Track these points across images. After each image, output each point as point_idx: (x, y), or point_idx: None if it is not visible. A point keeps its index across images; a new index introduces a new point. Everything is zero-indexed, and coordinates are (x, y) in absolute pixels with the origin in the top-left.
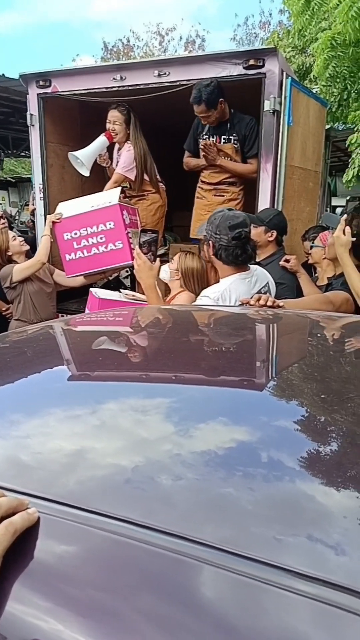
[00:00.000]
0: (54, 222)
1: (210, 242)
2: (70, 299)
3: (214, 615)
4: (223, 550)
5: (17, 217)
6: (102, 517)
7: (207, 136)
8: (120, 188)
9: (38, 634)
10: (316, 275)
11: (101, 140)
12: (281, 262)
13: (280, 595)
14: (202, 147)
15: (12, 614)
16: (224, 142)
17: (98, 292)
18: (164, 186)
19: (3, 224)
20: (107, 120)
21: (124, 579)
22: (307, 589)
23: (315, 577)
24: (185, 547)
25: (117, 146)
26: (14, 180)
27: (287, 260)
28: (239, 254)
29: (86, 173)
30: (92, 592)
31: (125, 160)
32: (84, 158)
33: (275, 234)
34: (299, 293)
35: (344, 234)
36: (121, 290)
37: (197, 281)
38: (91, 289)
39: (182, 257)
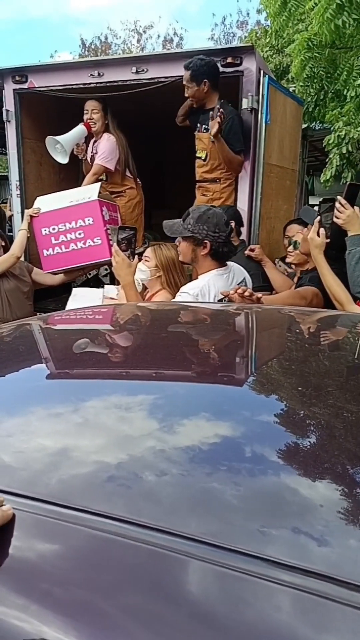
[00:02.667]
0: (31, 217)
1: (205, 242)
2: (48, 298)
3: (199, 609)
4: (207, 544)
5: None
6: (85, 513)
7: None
8: (99, 183)
9: (18, 633)
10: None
11: (80, 129)
12: (246, 252)
13: (265, 586)
14: (212, 114)
15: None
16: (204, 131)
17: (78, 295)
18: (139, 182)
19: None
20: (85, 111)
21: (107, 576)
22: (291, 579)
23: (298, 567)
24: (169, 541)
25: (93, 139)
26: None
27: (252, 250)
28: (232, 249)
29: (64, 160)
30: (74, 590)
31: (105, 150)
32: (64, 142)
33: (233, 223)
34: (264, 280)
35: (318, 235)
36: (105, 286)
37: (179, 270)
38: (74, 289)
39: (158, 250)
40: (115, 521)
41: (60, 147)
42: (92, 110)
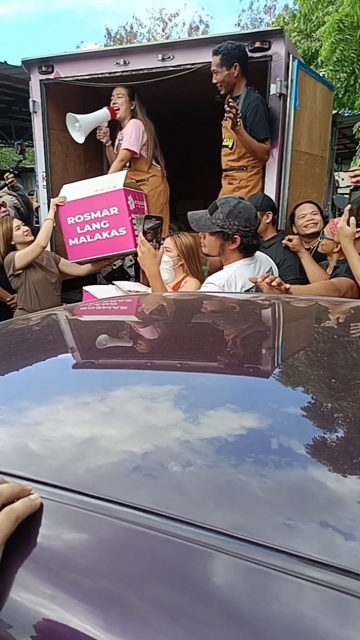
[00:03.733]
0: (57, 206)
1: (236, 237)
2: (74, 289)
3: (222, 602)
4: (233, 537)
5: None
6: (110, 503)
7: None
8: (125, 171)
9: (43, 622)
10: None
11: (103, 112)
12: (284, 241)
13: (290, 581)
14: (226, 106)
15: (16, 601)
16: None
17: (93, 292)
18: (162, 170)
19: (5, 211)
20: (111, 97)
21: (132, 567)
22: (317, 575)
23: (325, 562)
24: (194, 533)
25: (119, 127)
26: (17, 172)
27: (289, 240)
28: (260, 240)
29: (80, 139)
30: (99, 580)
31: (131, 134)
32: (82, 121)
33: (271, 215)
34: (301, 273)
35: (348, 224)
36: (114, 282)
37: (197, 257)
38: (85, 288)
39: (178, 240)
40: (142, 512)
41: (79, 125)
42: (117, 95)
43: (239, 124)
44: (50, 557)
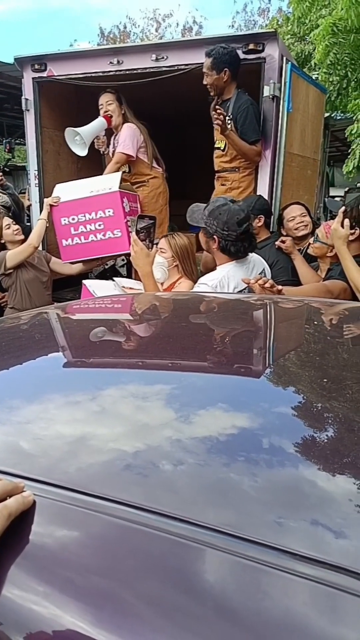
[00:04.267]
0: (51, 206)
1: (215, 237)
2: (66, 288)
3: (215, 598)
4: (225, 533)
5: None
6: (103, 500)
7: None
8: (120, 173)
9: (36, 619)
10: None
11: (100, 121)
12: (277, 242)
13: (281, 577)
14: (212, 113)
15: (8, 598)
16: None
17: (92, 287)
18: (163, 172)
19: None
20: (99, 106)
21: (125, 563)
22: (308, 570)
23: (316, 559)
24: (187, 530)
25: (114, 134)
26: (8, 170)
27: (282, 242)
28: (247, 247)
29: (82, 153)
30: (92, 577)
31: (125, 138)
32: (83, 134)
33: (263, 218)
34: (293, 274)
35: (342, 226)
36: (114, 279)
37: (191, 257)
38: (84, 281)
39: (172, 240)
40: (135, 509)
41: (80, 139)
42: (106, 102)
43: (229, 127)
44: (43, 554)
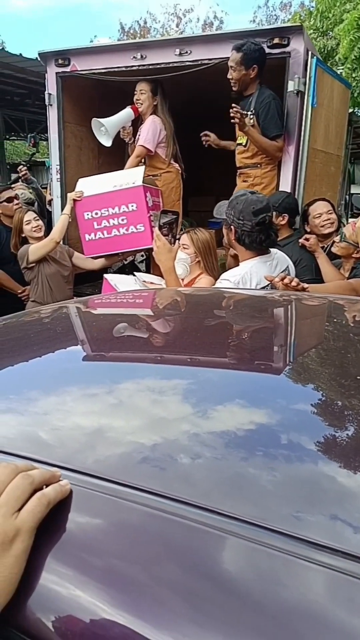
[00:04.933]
0: (74, 201)
1: (232, 227)
2: (85, 283)
3: (233, 584)
4: (245, 522)
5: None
6: (131, 489)
7: None
8: (143, 168)
9: (69, 604)
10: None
11: (127, 112)
12: (301, 240)
13: (300, 565)
14: (231, 113)
15: (45, 585)
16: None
17: (114, 281)
18: (179, 168)
19: (17, 204)
20: (135, 92)
21: (151, 550)
22: (326, 559)
23: (335, 548)
24: (210, 519)
25: (140, 122)
26: (28, 165)
27: (306, 239)
28: (263, 239)
29: (107, 143)
30: (123, 565)
31: (147, 131)
32: (108, 125)
33: (287, 217)
34: (317, 273)
35: None
36: (135, 273)
37: (213, 253)
38: (105, 275)
39: (194, 236)
40: (158, 497)
41: (105, 129)
42: (139, 91)
43: (251, 122)
44: (78, 542)
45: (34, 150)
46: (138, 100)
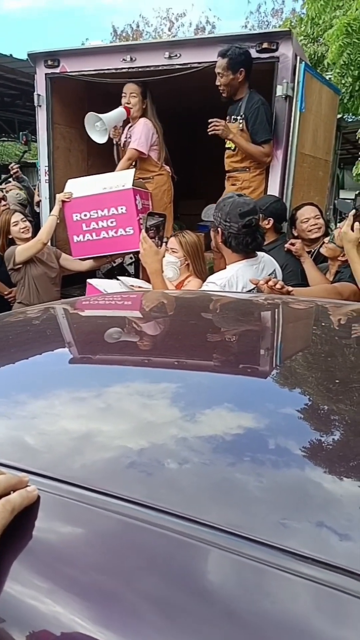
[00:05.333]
0: (63, 202)
1: (219, 229)
2: (73, 285)
3: (217, 598)
4: (228, 532)
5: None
6: (107, 497)
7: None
8: (134, 170)
9: (36, 616)
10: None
11: (120, 111)
12: (287, 245)
13: (284, 578)
14: (209, 129)
15: (10, 594)
16: (232, 121)
17: (100, 285)
18: (169, 170)
19: (4, 205)
20: (123, 94)
21: (127, 561)
22: (311, 572)
23: (319, 560)
24: (190, 528)
25: (129, 125)
26: (20, 165)
27: (292, 244)
28: (249, 242)
29: (102, 139)
30: (94, 574)
31: (140, 134)
32: (106, 120)
33: (271, 221)
34: (303, 278)
35: (352, 229)
36: (119, 277)
37: (202, 256)
38: (89, 281)
39: (183, 239)
40: (135, 505)
41: (101, 124)
42: (130, 93)
43: (240, 127)
44: (46, 550)
45: (26, 148)
46: (129, 103)
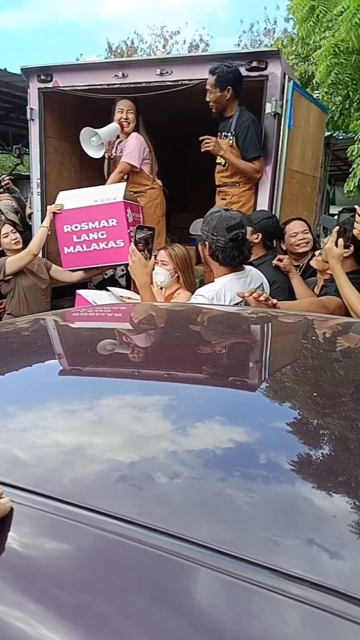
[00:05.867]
0: (54, 213)
1: (206, 242)
2: (64, 296)
3: (203, 618)
4: (216, 551)
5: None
6: (94, 513)
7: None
8: (125, 184)
9: (14, 633)
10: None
11: (115, 126)
12: (274, 261)
13: (273, 598)
14: (202, 146)
15: None
16: (223, 138)
17: (89, 297)
18: (161, 184)
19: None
20: (119, 110)
21: (115, 580)
22: (301, 592)
23: (309, 580)
24: (179, 547)
25: (119, 139)
26: (13, 177)
27: (280, 260)
28: (236, 256)
29: (98, 154)
30: (76, 591)
31: (132, 148)
32: (103, 135)
33: (260, 236)
34: (290, 294)
35: (336, 245)
36: (109, 288)
37: (191, 268)
38: (78, 291)
39: (172, 252)
40: (123, 522)
41: (97, 139)
42: (127, 110)
43: (230, 143)
44: (22, 564)
45: (19, 161)
46: (126, 119)
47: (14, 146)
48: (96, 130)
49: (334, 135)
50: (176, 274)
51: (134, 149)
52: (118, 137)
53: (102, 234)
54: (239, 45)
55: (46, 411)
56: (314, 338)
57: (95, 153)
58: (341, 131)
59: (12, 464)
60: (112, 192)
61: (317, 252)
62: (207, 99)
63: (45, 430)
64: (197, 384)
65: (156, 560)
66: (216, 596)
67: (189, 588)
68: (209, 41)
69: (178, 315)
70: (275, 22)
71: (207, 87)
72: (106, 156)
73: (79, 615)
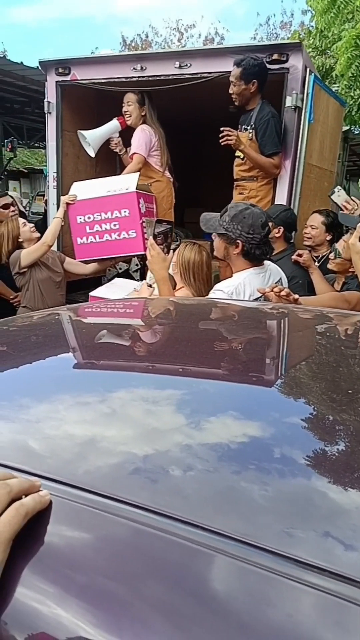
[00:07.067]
0: (67, 204)
1: (238, 241)
2: (78, 290)
3: (222, 604)
4: (234, 539)
5: (28, 208)
6: (116, 502)
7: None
8: (138, 174)
9: (45, 622)
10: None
11: (113, 124)
12: (294, 257)
13: (289, 586)
14: (221, 136)
15: (20, 600)
16: (243, 131)
17: (103, 295)
18: (171, 177)
19: (13, 211)
20: (122, 104)
21: (134, 566)
22: (316, 580)
23: (324, 568)
24: (197, 535)
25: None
26: (26, 171)
27: (299, 255)
28: (267, 251)
29: (91, 154)
30: (102, 580)
31: (137, 139)
32: (90, 138)
33: (282, 230)
34: (310, 290)
35: (359, 241)
36: (136, 289)
37: (194, 274)
38: (90, 294)
39: (181, 249)
40: (144, 511)
41: (88, 142)
42: (127, 102)
43: (249, 137)
44: (55, 555)
45: (12, 155)
46: (126, 112)
47: (6, 141)
48: (84, 132)
49: (352, 129)
50: (175, 270)
51: (140, 140)
52: (132, 132)
53: (115, 225)
54: (255, 38)
55: (65, 403)
56: (334, 334)
57: (90, 152)
58: (358, 126)
59: (34, 454)
60: (125, 182)
61: (331, 256)
62: (230, 91)
63: (65, 422)
64: (215, 379)
65: (175, 548)
66: (233, 583)
67: (207, 575)
68: (225, 35)
69: (197, 310)
70: (292, 14)
71: (232, 79)
72: (117, 151)
73: (101, 600)
